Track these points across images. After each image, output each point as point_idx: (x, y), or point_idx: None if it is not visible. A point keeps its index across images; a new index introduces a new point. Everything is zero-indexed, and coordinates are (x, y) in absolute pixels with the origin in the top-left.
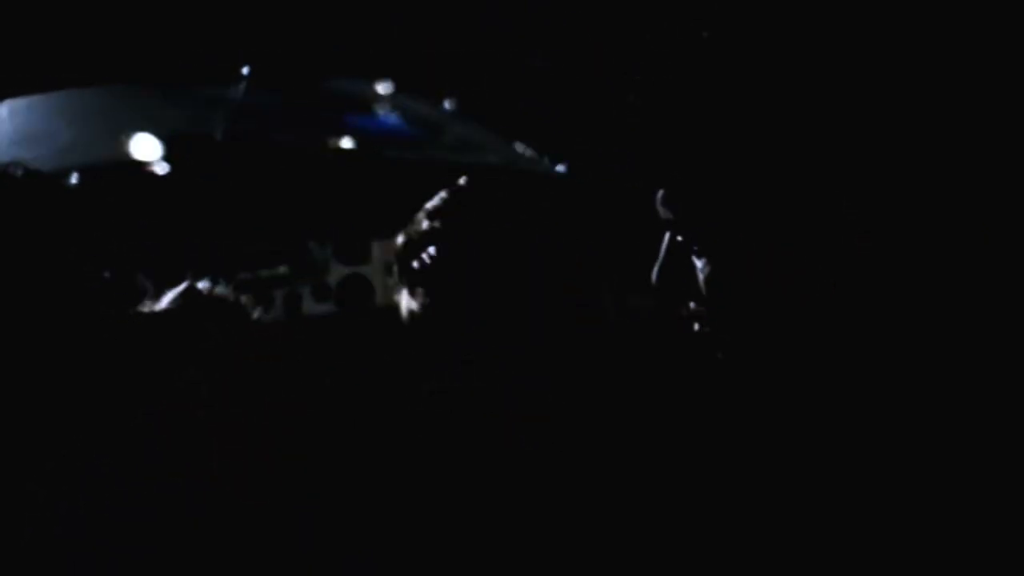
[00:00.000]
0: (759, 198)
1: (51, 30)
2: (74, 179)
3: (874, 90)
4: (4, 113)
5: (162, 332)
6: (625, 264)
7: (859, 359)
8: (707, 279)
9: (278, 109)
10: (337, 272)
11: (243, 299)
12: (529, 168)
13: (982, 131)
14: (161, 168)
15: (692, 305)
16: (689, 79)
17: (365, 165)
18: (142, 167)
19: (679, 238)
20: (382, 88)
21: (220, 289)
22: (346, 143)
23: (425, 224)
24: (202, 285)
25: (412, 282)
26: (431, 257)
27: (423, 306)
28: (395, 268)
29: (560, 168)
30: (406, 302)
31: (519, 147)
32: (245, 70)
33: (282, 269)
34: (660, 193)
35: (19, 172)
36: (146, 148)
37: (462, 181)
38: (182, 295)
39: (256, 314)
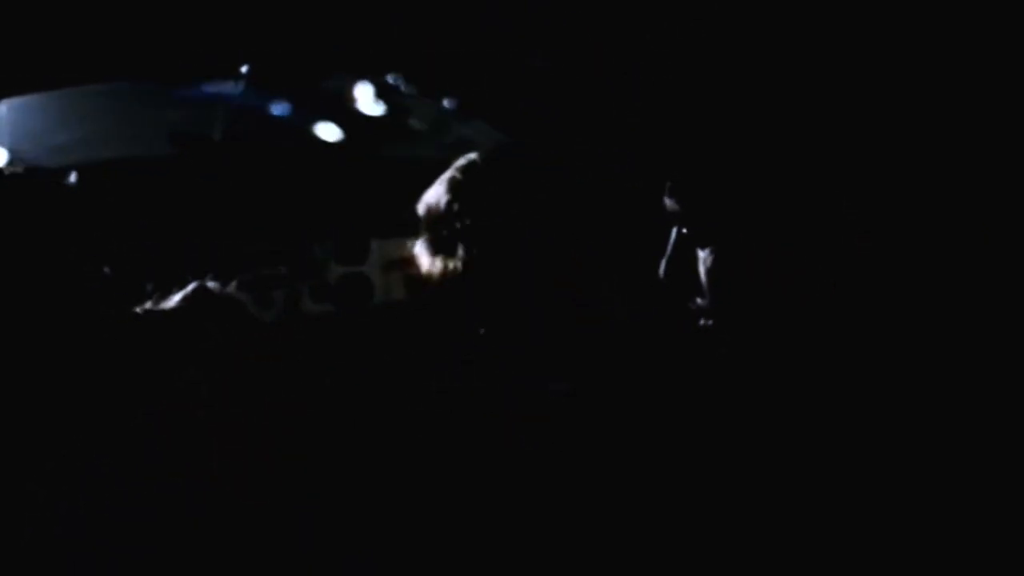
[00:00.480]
0: (763, 193)
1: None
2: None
3: (875, 89)
4: (4, 113)
5: (162, 332)
6: (628, 260)
7: (860, 354)
8: (712, 272)
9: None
10: (337, 272)
11: (243, 299)
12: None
13: (982, 131)
14: (160, 168)
15: (698, 299)
16: (691, 77)
17: (365, 165)
18: (141, 167)
19: (685, 231)
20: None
21: (221, 289)
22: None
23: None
24: (212, 285)
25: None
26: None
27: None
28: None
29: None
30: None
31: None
32: (245, 70)
33: (282, 269)
34: (667, 186)
35: (20, 170)
36: (145, 148)
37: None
38: (191, 295)
39: (256, 314)
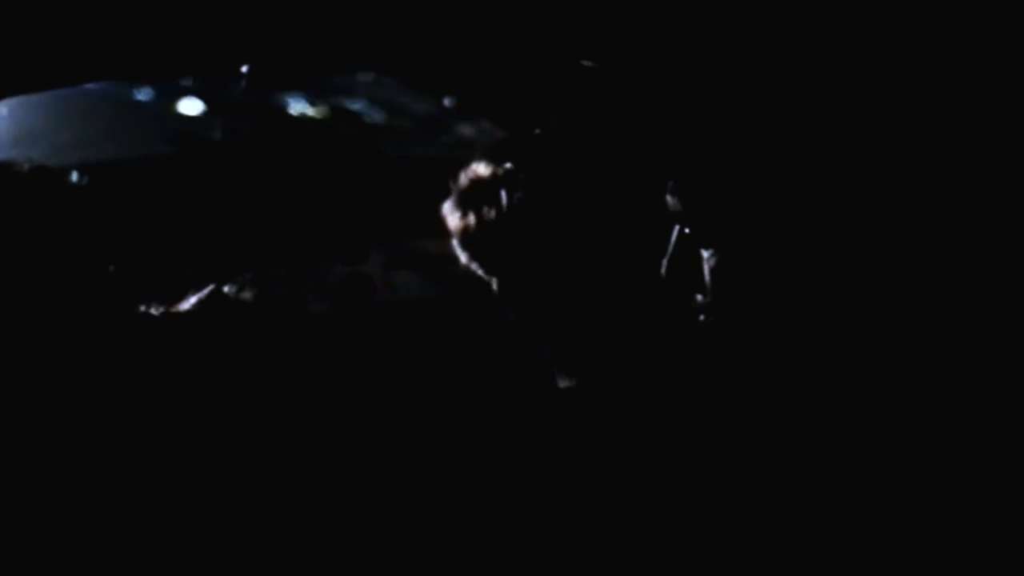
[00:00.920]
0: (765, 190)
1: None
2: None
3: (876, 88)
4: (4, 113)
5: (162, 332)
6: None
7: (861, 351)
8: (714, 271)
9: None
10: (337, 272)
11: (244, 299)
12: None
13: (982, 131)
14: (159, 168)
15: (700, 297)
16: (694, 76)
17: (365, 164)
18: (141, 167)
19: (687, 230)
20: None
21: (224, 290)
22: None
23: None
24: (227, 289)
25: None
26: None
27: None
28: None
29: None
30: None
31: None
32: (245, 70)
33: (282, 269)
34: (669, 185)
35: (24, 168)
36: (146, 148)
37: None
38: (206, 298)
39: (257, 314)
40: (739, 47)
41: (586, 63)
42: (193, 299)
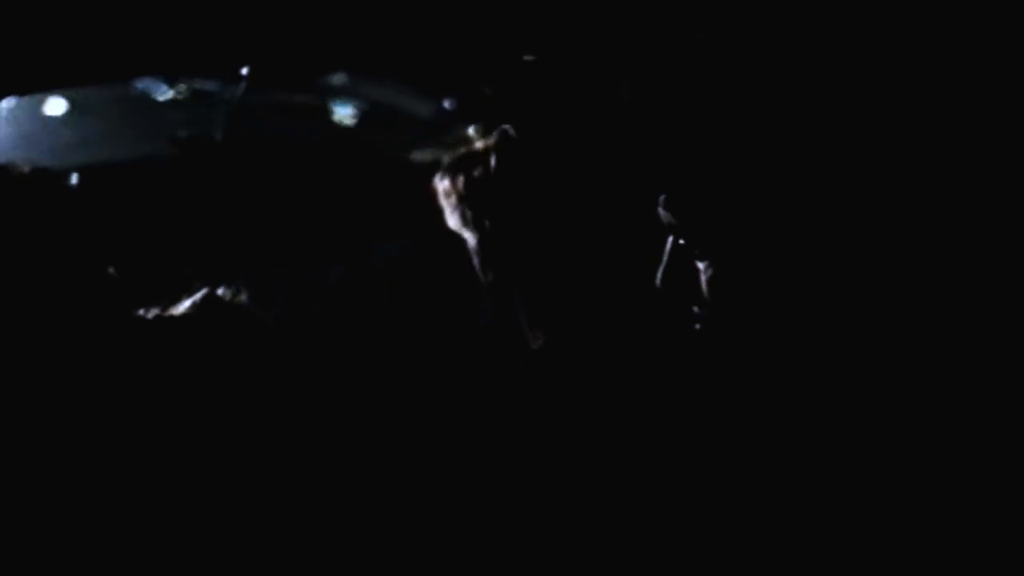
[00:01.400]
0: (760, 201)
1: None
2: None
3: (873, 91)
4: (4, 113)
5: (163, 332)
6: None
7: (859, 361)
8: (710, 282)
9: (278, 109)
10: (337, 271)
11: (244, 299)
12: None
13: (982, 131)
14: (159, 169)
15: (695, 308)
16: (688, 82)
17: (365, 164)
18: (141, 167)
19: (681, 241)
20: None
21: (223, 291)
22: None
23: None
24: (221, 291)
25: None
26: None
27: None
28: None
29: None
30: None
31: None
32: (245, 70)
33: (282, 269)
34: (662, 197)
35: (25, 169)
36: (145, 148)
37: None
38: (205, 299)
39: (257, 314)
40: (734, 58)
41: (580, 71)
42: (193, 299)
